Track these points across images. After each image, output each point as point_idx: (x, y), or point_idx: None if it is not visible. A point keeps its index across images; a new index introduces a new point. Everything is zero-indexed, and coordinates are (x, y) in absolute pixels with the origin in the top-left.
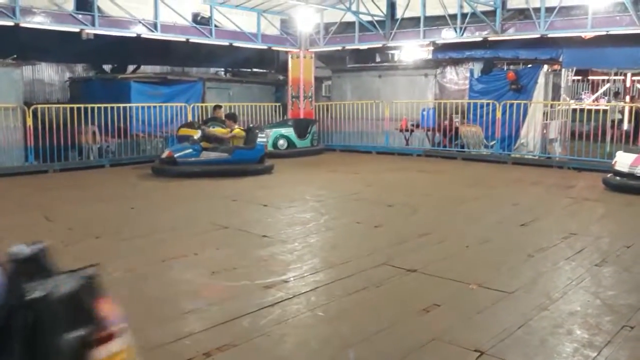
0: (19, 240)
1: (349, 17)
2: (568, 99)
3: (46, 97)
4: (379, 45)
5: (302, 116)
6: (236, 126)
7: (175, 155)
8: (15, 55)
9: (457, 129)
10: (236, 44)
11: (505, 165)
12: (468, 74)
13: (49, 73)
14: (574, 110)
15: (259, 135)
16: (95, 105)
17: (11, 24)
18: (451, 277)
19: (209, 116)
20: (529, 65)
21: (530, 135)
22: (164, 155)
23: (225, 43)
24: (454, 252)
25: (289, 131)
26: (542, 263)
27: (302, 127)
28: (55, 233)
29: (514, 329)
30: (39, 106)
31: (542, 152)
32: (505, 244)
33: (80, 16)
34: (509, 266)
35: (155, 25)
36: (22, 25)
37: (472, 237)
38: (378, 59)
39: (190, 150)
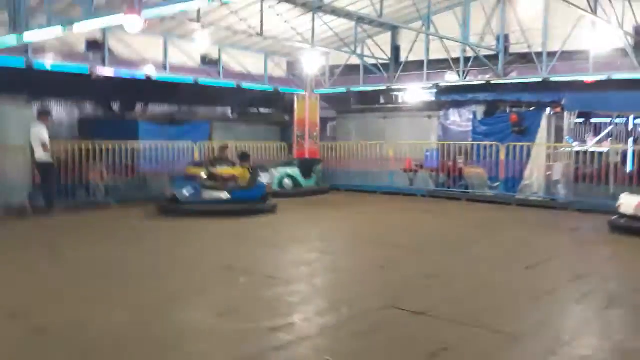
0: (19, 280)
1: (354, 60)
2: (571, 141)
3: (55, 135)
4: (383, 87)
5: (307, 156)
6: (244, 165)
7: (177, 194)
8: (26, 95)
9: (460, 170)
10: (243, 85)
11: (510, 207)
12: (471, 116)
13: (58, 111)
14: (577, 153)
15: (261, 174)
16: (104, 143)
17: (23, 64)
18: (459, 320)
19: (216, 156)
20: (532, 108)
21: (534, 177)
22: (168, 194)
23: (233, 84)
24: (461, 294)
25: (295, 171)
26: (550, 305)
27: (307, 166)
28: (60, 273)
29: None
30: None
31: (547, 194)
32: (512, 286)
33: (91, 57)
34: (516, 308)
35: (164, 66)
36: (35, 65)
37: (478, 279)
38: (382, 101)
39: (191, 189)
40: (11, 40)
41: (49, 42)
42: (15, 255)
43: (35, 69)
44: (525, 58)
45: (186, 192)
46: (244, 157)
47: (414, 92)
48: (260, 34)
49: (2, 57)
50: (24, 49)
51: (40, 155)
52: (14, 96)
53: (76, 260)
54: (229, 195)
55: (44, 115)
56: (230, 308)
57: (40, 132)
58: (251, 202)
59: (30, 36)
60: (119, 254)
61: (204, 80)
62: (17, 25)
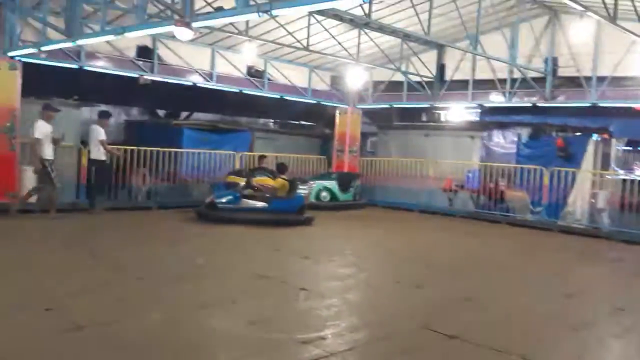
0: (60, 277)
1: (398, 77)
2: (618, 169)
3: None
4: (426, 105)
5: (346, 170)
6: (283, 177)
7: (216, 201)
8: (76, 97)
9: (502, 192)
10: (287, 97)
11: (552, 233)
12: (515, 138)
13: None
14: (624, 181)
15: (300, 186)
16: (148, 149)
17: (75, 66)
18: (493, 347)
19: (255, 166)
20: (578, 133)
21: (577, 204)
22: (207, 200)
23: (277, 96)
24: (496, 320)
25: (332, 184)
26: (587, 338)
27: (345, 180)
28: (98, 272)
29: None
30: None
31: (590, 222)
32: (549, 314)
33: (140, 63)
34: (553, 339)
35: (211, 75)
36: (86, 68)
37: (515, 305)
38: (424, 118)
39: (230, 197)
40: (66, 44)
41: (100, 47)
42: (58, 252)
43: (85, 72)
44: (573, 82)
45: (225, 199)
46: (281, 168)
47: (458, 111)
48: (306, 47)
49: (56, 60)
50: (76, 53)
51: (98, 154)
52: (64, 98)
53: (115, 259)
54: (266, 205)
55: (103, 117)
56: (262, 317)
57: (99, 132)
58: (288, 213)
59: (84, 41)
60: (156, 256)
61: (248, 90)
62: (71, 30)
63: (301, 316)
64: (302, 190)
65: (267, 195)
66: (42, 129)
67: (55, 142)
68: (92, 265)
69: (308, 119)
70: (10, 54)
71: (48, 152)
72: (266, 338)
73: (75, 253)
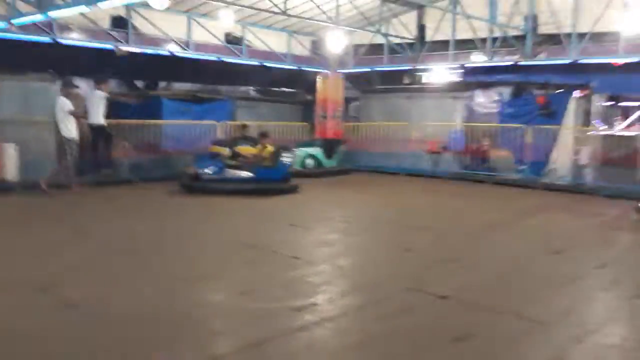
0: (47, 255)
1: (379, 39)
2: (600, 125)
3: (80, 111)
4: (408, 67)
5: (330, 136)
6: (266, 145)
7: (199, 172)
8: (51, 70)
9: (486, 152)
10: (267, 63)
11: (536, 191)
12: (497, 98)
13: (82, 88)
14: (605, 136)
15: (284, 154)
16: (127, 122)
17: (49, 40)
18: (483, 305)
19: (237, 135)
20: (560, 91)
21: (560, 161)
22: (190, 172)
23: (256, 63)
24: (486, 279)
25: (317, 151)
26: (575, 293)
27: (330, 147)
28: (85, 248)
29: None
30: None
31: (573, 178)
32: (537, 272)
33: (115, 33)
34: (541, 295)
35: (187, 44)
36: (60, 41)
37: (503, 264)
38: (406, 81)
39: (214, 167)
40: (37, 17)
41: (74, 19)
42: (43, 230)
43: (60, 46)
44: (554, 39)
45: (209, 170)
46: (263, 135)
47: (440, 73)
48: (284, 12)
49: (29, 34)
50: (49, 26)
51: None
52: (39, 73)
53: (101, 235)
54: (251, 174)
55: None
56: (253, 287)
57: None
58: (273, 181)
59: (56, 13)
60: (142, 230)
61: (227, 58)
62: (42, 2)
63: (292, 284)
64: (286, 158)
65: (252, 164)
66: (64, 105)
67: (77, 117)
68: (76, 241)
69: (289, 86)
70: None
71: (71, 130)
72: (259, 307)
73: (59, 229)
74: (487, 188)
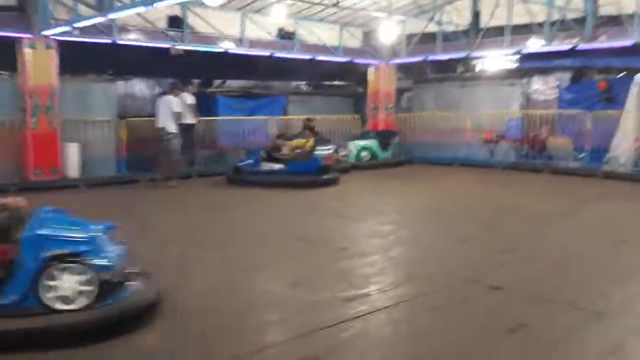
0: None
1: (432, 28)
2: None
3: (138, 110)
4: (462, 55)
5: (382, 128)
6: (310, 134)
7: (238, 165)
8: (111, 71)
9: (544, 140)
10: (318, 57)
11: (596, 179)
12: (556, 83)
13: (140, 87)
14: None
15: (322, 147)
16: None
17: (109, 41)
18: (539, 296)
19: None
20: (622, 74)
21: (622, 148)
22: (236, 165)
23: (308, 57)
24: (542, 270)
25: (372, 143)
26: (637, 284)
27: (384, 138)
28: (145, 241)
29: (607, 355)
30: (131, 119)
31: (635, 167)
32: (597, 262)
33: (171, 33)
34: (600, 286)
35: (241, 41)
36: (119, 42)
37: (560, 254)
38: (460, 69)
39: (250, 160)
40: (98, 19)
41: (132, 20)
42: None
43: (118, 47)
44: (615, 21)
45: (246, 162)
46: (309, 128)
47: (495, 60)
48: (336, 4)
49: (89, 36)
50: (108, 28)
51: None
52: (99, 74)
53: (159, 227)
54: (282, 167)
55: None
56: (305, 278)
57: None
58: (306, 174)
59: (115, 15)
60: (197, 223)
61: (279, 53)
62: (102, 4)
63: (344, 275)
64: (323, 151)
65: (287, 157)
66: (172, 105)
67: (178, 116)
68: (136, 234)
69: (341, 79)
70: (44, 33)
71: (172, 125)
72: (309, 298)
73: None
74: (545, 177)
